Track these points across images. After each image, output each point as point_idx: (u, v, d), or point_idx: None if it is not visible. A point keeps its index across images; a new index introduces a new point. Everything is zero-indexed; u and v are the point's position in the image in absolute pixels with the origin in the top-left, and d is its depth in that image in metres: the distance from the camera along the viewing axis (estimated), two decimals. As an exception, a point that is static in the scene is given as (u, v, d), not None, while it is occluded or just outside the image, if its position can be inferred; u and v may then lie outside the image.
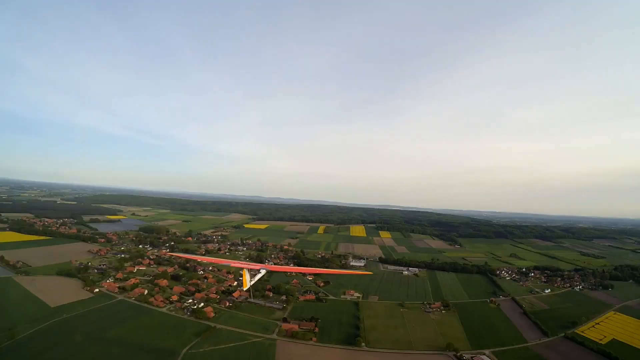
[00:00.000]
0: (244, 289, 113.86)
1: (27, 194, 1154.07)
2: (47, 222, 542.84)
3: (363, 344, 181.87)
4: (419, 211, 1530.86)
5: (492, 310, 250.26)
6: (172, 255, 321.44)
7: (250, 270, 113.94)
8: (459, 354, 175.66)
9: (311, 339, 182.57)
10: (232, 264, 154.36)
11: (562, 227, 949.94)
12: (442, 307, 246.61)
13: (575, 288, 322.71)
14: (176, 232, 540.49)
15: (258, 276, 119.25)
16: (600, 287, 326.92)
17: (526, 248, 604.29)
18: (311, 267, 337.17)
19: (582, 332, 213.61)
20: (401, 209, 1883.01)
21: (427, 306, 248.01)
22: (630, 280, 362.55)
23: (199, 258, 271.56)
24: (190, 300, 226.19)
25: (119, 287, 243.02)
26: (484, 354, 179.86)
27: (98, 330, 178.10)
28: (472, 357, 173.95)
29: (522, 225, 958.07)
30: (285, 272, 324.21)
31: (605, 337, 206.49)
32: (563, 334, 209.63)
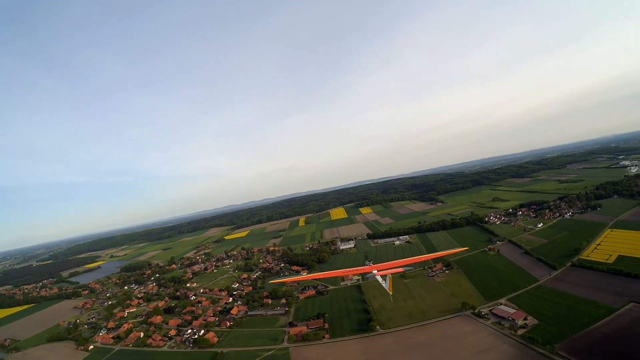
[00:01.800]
0: (390, 293, 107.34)
1: (1, 266, 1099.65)
2: (26, 289, 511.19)
3: (378, 327, 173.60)
4: (392, 179, 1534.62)
5: (493, 258, 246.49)
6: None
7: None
8: (476, 311, 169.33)
9: (324, 337, 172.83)
10: (376, 272, 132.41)
11: (533, 162, 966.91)
12: (444, 268, 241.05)
13: (565, 216, 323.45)
14: (159, 263, 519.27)
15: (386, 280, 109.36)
16: (589, 209, 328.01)
17: (506, 189, 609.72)
18: (303, 263, 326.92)
19: (587, 256, 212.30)
20: (374, 181, 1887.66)
21: (429, 270, 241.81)
22: (615, 196, 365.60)
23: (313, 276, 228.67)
24: (190, 331, 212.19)
25: (113, 338, 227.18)
26: (502, 304, 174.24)
27: None
28: (491, 310, 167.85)
29: (496, 168, 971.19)
30: (279, 275, 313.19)
31: (610, 255, 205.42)
32: (570, 263, 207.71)
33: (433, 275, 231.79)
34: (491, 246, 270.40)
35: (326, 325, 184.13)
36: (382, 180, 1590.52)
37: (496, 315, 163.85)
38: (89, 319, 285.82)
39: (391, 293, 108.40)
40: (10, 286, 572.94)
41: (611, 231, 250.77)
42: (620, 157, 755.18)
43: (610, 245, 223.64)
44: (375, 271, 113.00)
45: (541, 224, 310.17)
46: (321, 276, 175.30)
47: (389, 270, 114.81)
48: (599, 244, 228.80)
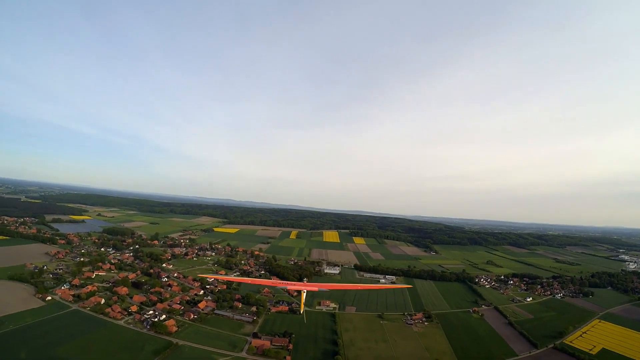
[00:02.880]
0: (301, 312, 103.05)
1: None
2: (6, 220, 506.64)
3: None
4: (391, 217, 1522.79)
5: (476, 321, 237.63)
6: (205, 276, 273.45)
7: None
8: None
9: (285, 358, 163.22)
10: (289, 287, 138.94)
11: (534, 235, 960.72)
12: (424, 319, 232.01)
13: (556, 296, 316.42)
14: (142, 235, 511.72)
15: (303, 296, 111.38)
16: (581, 295, 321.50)
17: (501, 255, 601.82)
18: (284, 276, 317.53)
19: (571, 342, 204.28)
20: (373, 214, 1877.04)
21: (408, 317, 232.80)
22: (609, 287, 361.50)
23: (242, 280, 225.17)
24: (151, 312, 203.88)
25: (73, 295, 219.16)
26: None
27: (45, 346, 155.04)
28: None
29: (495, 232, 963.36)
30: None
31: (594, 346, 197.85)
32: (552, 345, 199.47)
33: (411, 324, 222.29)
34: (476, 309, 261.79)
35: (290, 346, 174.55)
36: (381, 216, 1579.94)
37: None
38: (56, 269, 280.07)
39: (302, 311, 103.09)
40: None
41: (599, 322, 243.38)
42: (621, 250, 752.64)
43: (596, 336, 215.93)
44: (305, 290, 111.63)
45: (530, 298, 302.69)
46: (256, 282, 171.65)
47: (315, 288, 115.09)
48: (585, 332, 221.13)
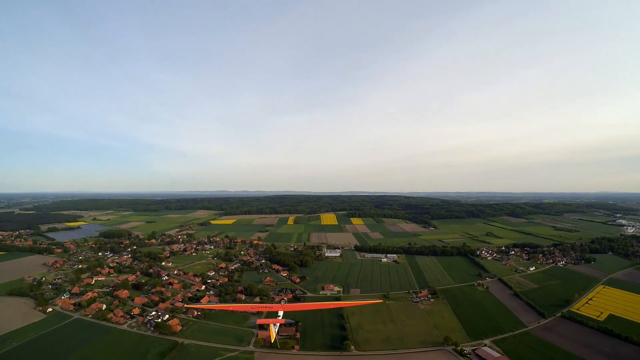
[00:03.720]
0: (272, 341, 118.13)
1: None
2: (2, 235, 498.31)
3: (352, 347, 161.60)
4: (387, 195, 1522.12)
5: (481, 294, 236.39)
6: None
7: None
8: (459, 348, 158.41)
9: (293, 347, 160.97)
10: (257, 321, 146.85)
11: (530, 204, 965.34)
12: (429, 295, 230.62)
13: (559, 264, 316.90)
14: (139, 235, 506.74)
15: (276, 329, 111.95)
16: (583, 261, 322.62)
17: (500, 226, 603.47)
18: (285, 263, 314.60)
19: (578, 309, 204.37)
20: (369, 194, 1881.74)
21: (414, 295, 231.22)
22: (610, 252, 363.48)
23: (227, 306, 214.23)
24: (154, 313, 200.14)
25: (74, 304, 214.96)
26: (485, 345, 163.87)
27: None
28: (474, 350, 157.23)
29: (492, 203, 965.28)
30: (258, 271, 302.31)
31: (601, 313, 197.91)
32: (560, 314, 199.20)
33: (417, 302, 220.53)
34: (480, 281, 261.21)
35: (297, 335, 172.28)
36: (377, 194, 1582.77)
37: (479, 356, 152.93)
38: (55, 279, 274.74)
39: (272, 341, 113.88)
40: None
41: (604, 287, 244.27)
42: (618, 215, 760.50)
43: (602, 302, 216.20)
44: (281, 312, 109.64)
45: (533, 267, 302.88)
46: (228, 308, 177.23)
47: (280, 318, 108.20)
48: (591, 299, 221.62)
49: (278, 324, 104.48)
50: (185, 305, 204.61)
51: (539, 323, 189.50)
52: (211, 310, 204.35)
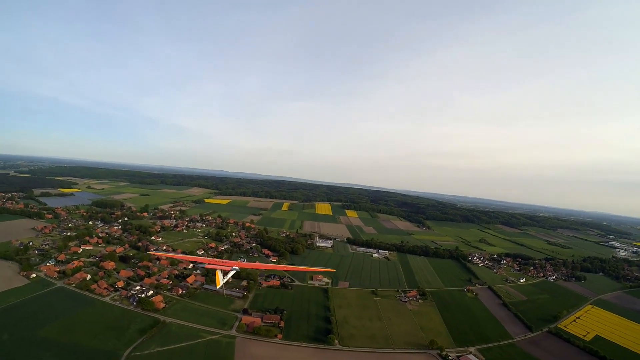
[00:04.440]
0: (217, 287, 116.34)
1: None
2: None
3: (336, 341, 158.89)
4: (383, 191, 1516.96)
5: (470, 300, 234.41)
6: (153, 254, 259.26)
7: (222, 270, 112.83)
8: (443, 353, 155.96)
9: (276, 336, 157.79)
10: (207, 264, 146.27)
11: (525, 215, 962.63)
12: (418, 296, 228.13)
13: (549, 278, 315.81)
14: (131, 207, 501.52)
15: (230, 274, 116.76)
16: (574, 279, 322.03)
17: (494, 234, 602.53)
18: (275, 248, 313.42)
19: (565, 326, 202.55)
20: (366, 188, 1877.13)
21: (403, 294, 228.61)
22: (600, 273, 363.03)
23: (180, 256, 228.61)
24: (138, 287, 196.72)
25: (59, 272, 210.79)
26: (470, 352, 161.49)
27: (29, 327, 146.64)
28: (458, 357, 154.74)
29: (488, 210, 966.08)
30: (247, 254, 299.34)
31: (588, 332, 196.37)
32: (547, 329, 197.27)
33: (406, 301, 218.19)
34: (470, 287, 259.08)
35: (282, 324, 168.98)
36: (373, 189, 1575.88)
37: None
38: (42, 245, 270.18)
39: (217, 287, 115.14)
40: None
41: (592, 307, 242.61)
42: (611, 236, 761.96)
43: (590, 322, 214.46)
44: (236, 268, 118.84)
45: (524, 279, 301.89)
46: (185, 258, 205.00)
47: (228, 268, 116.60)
48: (579, 317, 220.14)
49: (228, 272, 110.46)
50: (151, 253, 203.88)
51: (525, 336, 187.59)
52: (196, 289, 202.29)
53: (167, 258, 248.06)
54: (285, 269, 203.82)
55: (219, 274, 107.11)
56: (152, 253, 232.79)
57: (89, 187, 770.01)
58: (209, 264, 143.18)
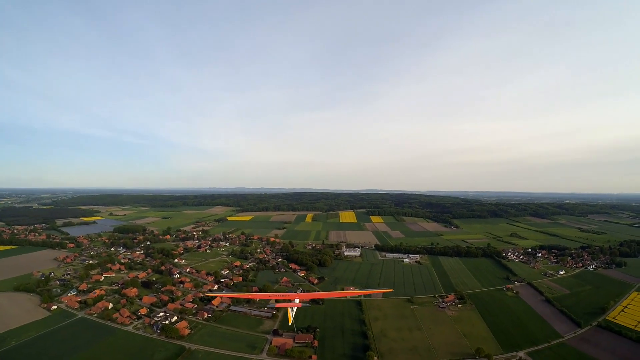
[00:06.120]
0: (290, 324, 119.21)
1: (3, 202, 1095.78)
2: (16, 229, 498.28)
3: (375, 357, 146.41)
4: (406, 194, 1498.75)
5: (511, 300, 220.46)
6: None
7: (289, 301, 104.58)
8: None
9: (310, 357, 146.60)
10: (276, 303, 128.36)
11: (554, 204, 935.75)
12: (456, 300, 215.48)
13: (588, 267, 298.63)
14: (154, 231, 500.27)
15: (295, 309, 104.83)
16: (614, 265, 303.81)
17: (524, 226, 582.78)
18: (302, 262, 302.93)
19: (614, 318, 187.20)
20: (388, 192, 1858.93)
21: (440, 300, 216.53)
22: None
23: (244, 295, 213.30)
24: (162, 314, 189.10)
25: (80, 302, 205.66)
26: (520, 357, 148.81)
27: None
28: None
29: (514, 203, 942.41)
30: (274, 270, 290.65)
31: (639, 322, 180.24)
32: (596, 323, 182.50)
33: (444, 307, 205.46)
34: (509, 286, 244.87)
35: (315, 343, 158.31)
36: (396, 193, 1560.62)
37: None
38: (63, 275, 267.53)
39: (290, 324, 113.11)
40: (3, 223, 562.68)
41: (638, 294, 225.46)
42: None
43: (638, 310, 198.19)
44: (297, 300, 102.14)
45: (563, 271, 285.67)
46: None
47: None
48: (626, 307, 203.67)
49: (295, 308, 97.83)
50: (206, 294, 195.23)
51: (575, 333, 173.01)
52: (222, 311, 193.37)
53: (191, 279, 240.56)
54: (346, 294, 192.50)
55: (290, 312, 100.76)
56: (208, 294, 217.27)
57: (111, 214, 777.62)
58: (277, 300, 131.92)
